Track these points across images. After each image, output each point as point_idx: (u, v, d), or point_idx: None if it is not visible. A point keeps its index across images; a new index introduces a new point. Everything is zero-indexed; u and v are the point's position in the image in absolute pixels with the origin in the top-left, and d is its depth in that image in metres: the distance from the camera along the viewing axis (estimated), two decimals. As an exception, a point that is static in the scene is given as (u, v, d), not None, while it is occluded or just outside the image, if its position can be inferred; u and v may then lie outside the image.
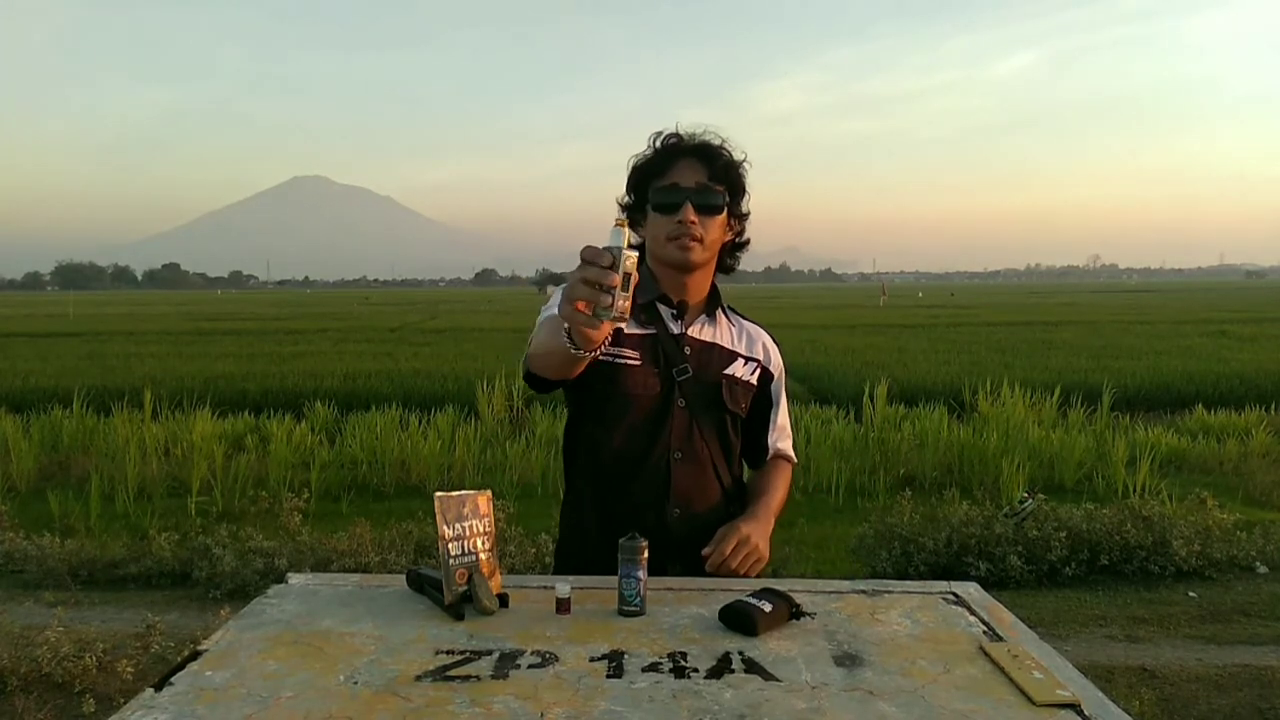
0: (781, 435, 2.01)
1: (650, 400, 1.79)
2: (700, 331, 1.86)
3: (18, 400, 11.10)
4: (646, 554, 1.50)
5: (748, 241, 1.92)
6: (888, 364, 14.58)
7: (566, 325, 1.39)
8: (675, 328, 1.83)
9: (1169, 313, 35.75)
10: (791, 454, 2.04)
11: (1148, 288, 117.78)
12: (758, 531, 1.77)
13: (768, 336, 1.98)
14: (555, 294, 1.66)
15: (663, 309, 1.84)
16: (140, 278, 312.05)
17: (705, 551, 1.74)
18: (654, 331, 1.82)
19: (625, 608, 1.50)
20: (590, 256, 1.30)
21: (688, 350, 1.82)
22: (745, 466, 2.02)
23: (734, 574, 1.73)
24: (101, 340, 23.36)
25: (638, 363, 1.79)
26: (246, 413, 10.00)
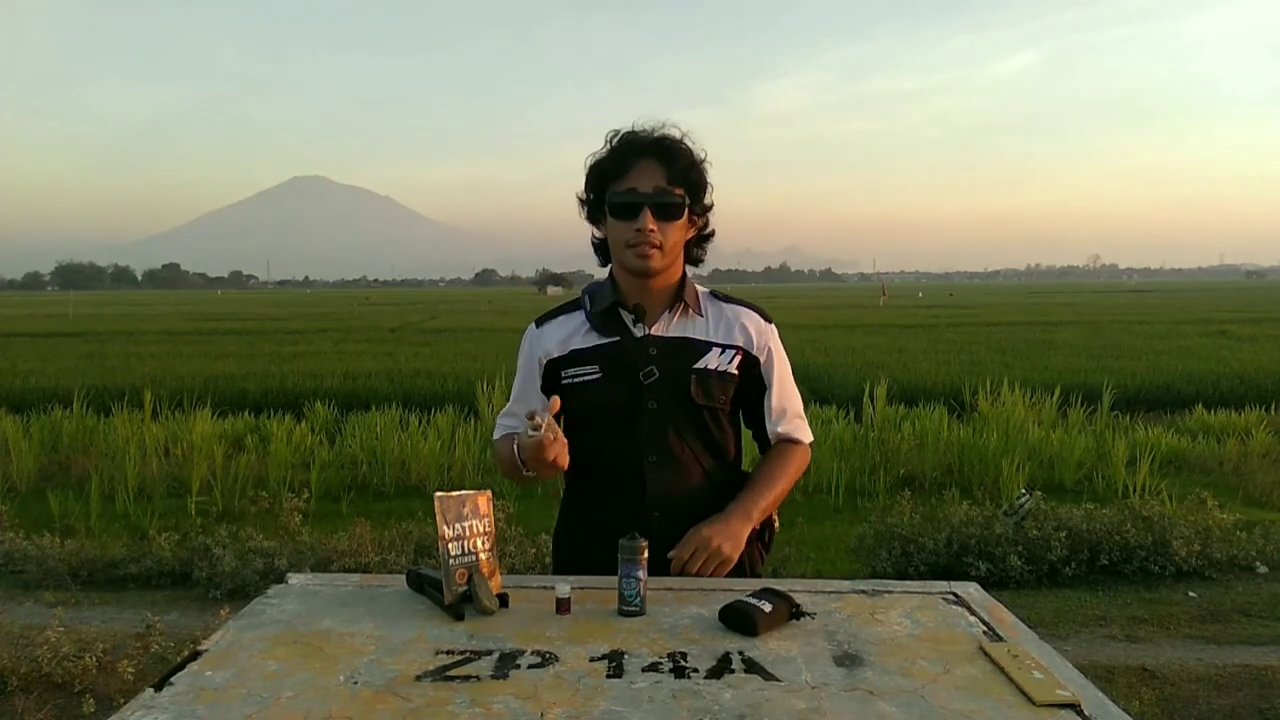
0: (783, 418, 1.91)
1: (617, 409, 1.78)
2: (667, 329, 1.82)
3: (18, 400, 11.08)
4: (646, 554, 1.50)
5: (713, 233, 1.89)
6: (888, 364, 14.57)
7: (523, 460, 1.69)
8: (638, 331, 1.81)
9: (1169, 313, 35.73)
10: (798, 435, 1.93)
11: (1148, 288, 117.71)
12: (721, 533, 1.73)
13: (753, 316, 1.90)
14: (506, 420, 1.91)
15: (624, 315, 1.82)
16: (140, 278, 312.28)
17: (670, 555, 1.73)
18: (616, 339, 1.81)
19: (625, 608, 1.50)
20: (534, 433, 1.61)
21: (653, 351, 1.80)
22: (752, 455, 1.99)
23: (701, 575, 1.72)
24: (101, 340, 23.36)
25: (598, 375, 1.79)
26: (246, 413, 9.99)
